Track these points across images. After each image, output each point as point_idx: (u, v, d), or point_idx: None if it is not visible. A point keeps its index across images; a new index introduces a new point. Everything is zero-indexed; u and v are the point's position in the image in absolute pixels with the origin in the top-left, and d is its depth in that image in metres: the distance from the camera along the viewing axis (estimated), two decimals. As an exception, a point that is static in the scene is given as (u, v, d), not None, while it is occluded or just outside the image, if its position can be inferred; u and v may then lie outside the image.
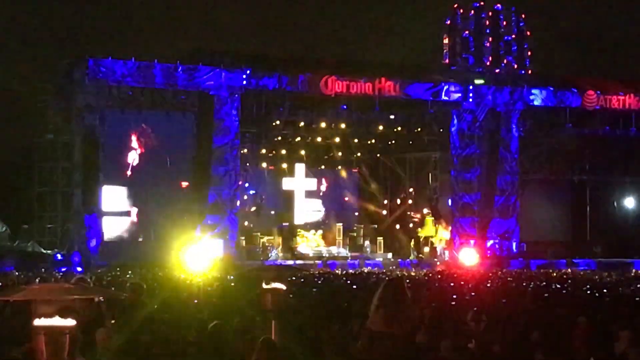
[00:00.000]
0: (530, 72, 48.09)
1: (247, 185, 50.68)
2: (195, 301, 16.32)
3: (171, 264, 37.02)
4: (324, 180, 55.33)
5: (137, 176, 42.33)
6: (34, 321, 5.56)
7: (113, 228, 42.51)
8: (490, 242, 46.34)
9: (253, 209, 50.96)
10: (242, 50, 43.18)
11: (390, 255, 47.56)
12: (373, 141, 51.29)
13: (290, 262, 42.10)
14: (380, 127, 48.45)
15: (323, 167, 55.01)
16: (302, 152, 51.53)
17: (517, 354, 10.91)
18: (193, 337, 11.18)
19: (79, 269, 36.99)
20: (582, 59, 47.45)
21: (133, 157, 42.24)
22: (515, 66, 47.93)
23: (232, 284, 22.27)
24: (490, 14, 47.85)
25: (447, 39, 48.04)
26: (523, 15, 48.28)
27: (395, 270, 37.92)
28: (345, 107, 44.87)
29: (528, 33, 48.29)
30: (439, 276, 31.47)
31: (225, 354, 10.41)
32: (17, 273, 31.38)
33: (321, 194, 55.20)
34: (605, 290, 21.50)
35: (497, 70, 47.60)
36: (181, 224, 42.16)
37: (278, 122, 46.41)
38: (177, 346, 10.76)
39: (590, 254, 47.12)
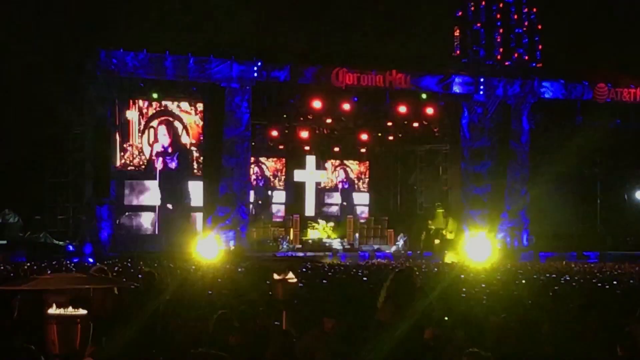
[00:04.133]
0: (541, 64, 48.04)
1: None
2: (210, 292, 16.37)
3: (183, 256, 37.15)
4: (334, 172, 55.52)
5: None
6: (46, 310, 5.60)
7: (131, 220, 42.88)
8: (500, 235, 46.35)
9: (259, 202, 51.24)
10: (253, 42, 43.13)
11: (400, 246, 47.58)
12: (383, 133, 51.36)
13: (301, 253, 42.21)
14: (391, 120, 48.53)
15: (333, 159, 55.17)
16: (313, 145, 51.65)
17: (528, 346, 10.94)
18: (205, 327, 11.24)
19: (91, 259, 37.13)
20: (593, 51, 47.20)
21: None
22: (526, 59, 47.92)
23: (243, 275, 22.36)
24: (501, 6, 47.81)
25: (457, 32, 47.99)
26: (534, 8, 48.22)
27: (405, 262, 37.95)
28: (356, 99, 44.88)
29: (539, 26, 48.24)
30: (449, 268, 31.50)
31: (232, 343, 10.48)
32: (29, 264, 31.48)
33: (331, 186, 55.39)
34: (615, 283, 21.51)
35: (508, 63, 47.61)
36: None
37: (289, 115, 46.53)
38: (189, 336, 10.83)
39: (600, 246, 47.10)
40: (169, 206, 42.95)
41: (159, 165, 42.51)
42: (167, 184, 42.80)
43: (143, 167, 42.57)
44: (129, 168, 42.30)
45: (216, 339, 10.75)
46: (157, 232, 42.39)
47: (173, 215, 42.80)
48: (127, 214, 42.60)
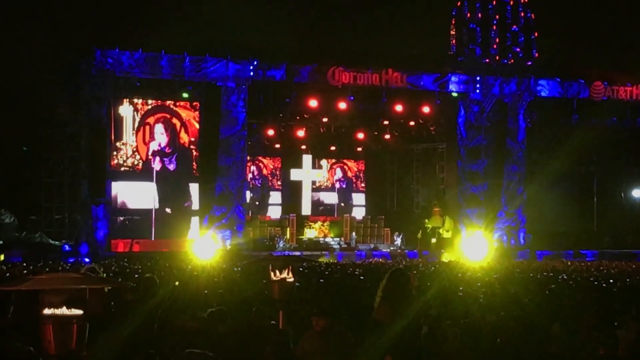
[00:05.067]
0: (537, 63, 48.04)
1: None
2: (205, 292, 16.34)
3: (179, 255, 37.10)
4: (330, 171, 55.50)
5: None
6: (42, 311, 5.58)
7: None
8: (496, 234, 46.34)
9: (257, 202, 51.25)
10: (249, 41, 43.09)
11: (398, 245, 47.57)
12: (380, 132, 51.35)
13: (298, 252, 42.15)
14: (387, 118, 48.53)
15: (330, 158, 55.16)
16: (309, 143, 51.63)
17: (526, 344, 10.91)
18: (199, 326, 11.22)
19: (87, 259, 37.09)
20: (589, 49, 47.25)
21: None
22: (522, 57, 47.91)
23: (239, 275, 22.32)
24: (496, 4, 47.81)
25: (454, 30, 47.99)
26: (530, 7, 48.22)
27: (402, 261, 37.93)
28: (352, 98, 44.84)
29: (535, 24, 48.23)
30: (446, 267, 31.48)
31: (229, 342, 10.47)
32: (25, 264, 31.42)
33: (328, 185, 55.37)
34: (611, 281, 21.51)
35: (504, 61, 47.61)
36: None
37: (285, 113, 46.49)
38: (185, 335, 10.81)
39: (597, 244, 47.12)
40: (167, 210, 42.53)
41: (156, 165, 42.16)
42: (165, 186, 42.38)
43: (138, 167, 42.23)
44: (123, 168, 41.91)
45: (208, 334, 10.76)
46: (153, 238, 41.88)
47: (172, 220, 42.42)
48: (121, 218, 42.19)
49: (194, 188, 43.00)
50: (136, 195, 42.15)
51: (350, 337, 10.32)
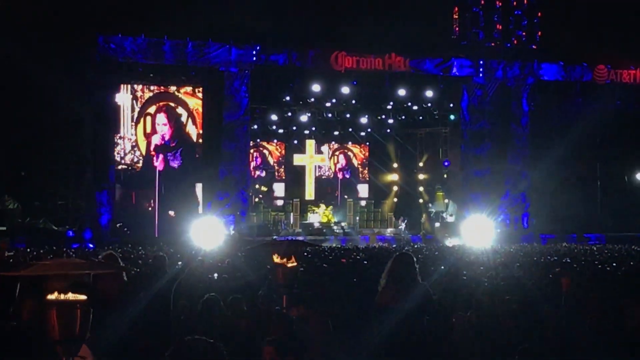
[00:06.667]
0: (540, 46, 47.96)
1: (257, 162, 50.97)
2: (210, 276, 16.35)
3: (182, 240, 37.11)
4: (333, 159, 55.44)
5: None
6: (46, 296, 5.59)
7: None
8: (500, 217, 46.34)
9: (264, 188, 51.24)
10: (251, 26, 43.03)
11: (402, 230, 47.62)
12: (383, 117, 51.33)
13: (301, 237, 42.20)
14: (391, 103, 48.50)
15: (333, 142, 55.12)
16: (313, 128, 51.63)
17: (528, 329, 10.90)
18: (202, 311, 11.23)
19: (91, 245, 37.12)
20: (592, 33, 47.14)
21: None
22: (526, 41, 47.83)
23: (243, 260, 22.32)
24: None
25: (457, 14, 47.90)
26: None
27: (406, 246, 37.92)
28: (355, 82, 44.84)
29: (538, 8, 48.12)
30: (450, 251, 31.46)
31: (225, 326, 10.48)
32: (28, 249, 31.44)
33: (331, 169, 55.33)
34: (615, 264, 21.48)
35: (507, 45, 47.53)
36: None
37: (288, 98, 46.48)
38: (190, 321, 10.84)
39: (600, 228, 47.12)
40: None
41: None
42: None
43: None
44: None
45: (203, 321, 10.77)
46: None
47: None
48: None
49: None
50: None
51: (329, 324, 10.27)
